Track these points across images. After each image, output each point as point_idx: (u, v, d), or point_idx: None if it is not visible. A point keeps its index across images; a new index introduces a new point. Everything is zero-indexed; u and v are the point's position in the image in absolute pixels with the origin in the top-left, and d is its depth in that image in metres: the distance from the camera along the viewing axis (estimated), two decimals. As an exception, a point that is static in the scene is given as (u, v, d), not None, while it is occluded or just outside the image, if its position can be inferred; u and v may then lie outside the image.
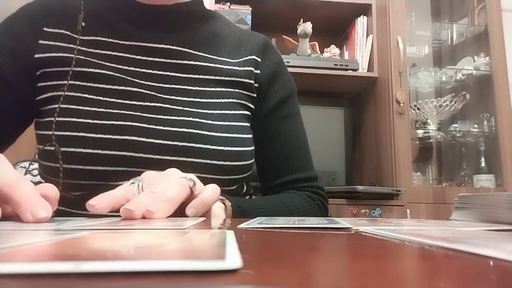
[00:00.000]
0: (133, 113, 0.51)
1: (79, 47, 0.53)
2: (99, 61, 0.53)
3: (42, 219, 0.29)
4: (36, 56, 0.53)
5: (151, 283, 0.10)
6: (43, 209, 0.30)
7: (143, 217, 0.33)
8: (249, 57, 0.62)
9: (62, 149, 0.48)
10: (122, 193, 0.36)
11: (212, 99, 0.56)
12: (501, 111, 1.67)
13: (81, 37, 0.54)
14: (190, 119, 0.53)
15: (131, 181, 0.38)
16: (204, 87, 0.57)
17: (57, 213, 0.49)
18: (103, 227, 0.26)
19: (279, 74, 0.65)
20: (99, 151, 0.48)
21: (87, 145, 0.48)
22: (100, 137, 0.49)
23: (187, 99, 0.55)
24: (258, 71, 0.62)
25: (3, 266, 0.11)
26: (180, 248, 0.16)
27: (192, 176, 0.41)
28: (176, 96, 0.54)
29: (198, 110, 0.54)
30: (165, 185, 0.38)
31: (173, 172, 0.42)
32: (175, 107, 0.53)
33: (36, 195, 0.31)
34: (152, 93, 0.53)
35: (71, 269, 0.11)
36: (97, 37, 0.55)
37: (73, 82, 0.52)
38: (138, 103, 0.52)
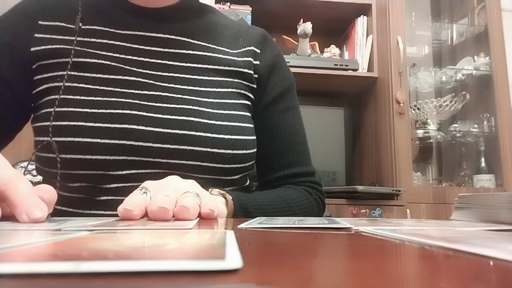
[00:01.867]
0: (131, 101, 0.51)
1: (75, 37, 0.53)
2: (96, 51, 0.53)
3: (37, 220, 0.29)
4: (32, 49, 0.53)
5: (151, 283, 0.10)
6: (38, 209, 0.29)
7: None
8: (248, 48, 0.62)
9: (60, 139, 0.48)
10: (143, 201, 0.35)
11: (211, 88, 0.56)
12: (501, 111, 1.67)
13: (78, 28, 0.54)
14: (190, 107, 0.53)
15: (143, 190, 0.37)
16: (203, 76, 0.56)
17: (57, 213, 0.49)
18: (103, 227, 0.26)
19: (278, 66, 0.64)
20: (98, 140, 0.48)
21: (86, 134, 0.48)
22: (99, 126, 0.48)
23: (186, 87, 0.54)
24: (257, 62, 0.62)
25: (3, 266, 0.11)
26: (180, 248, 0.16)
27: (193, 186, 0.40)
28: (174, 84, 0.54)
29: (197, 98, 0.54)
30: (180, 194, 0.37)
31: (175, 179, 0.41)
32: (174, 95, 0.53)
33: (32, 195, 0.31)
34: (150, 81, 0.53)
35: (71, 269, 0.11)
36: (94, 26, 0.55)
37: (70, 72, 0.51)
38: (137, 91, 0.52)
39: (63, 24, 0.54)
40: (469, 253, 0.16)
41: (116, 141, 0.48)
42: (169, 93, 0.53)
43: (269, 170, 0.63)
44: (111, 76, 0.52)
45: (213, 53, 0.59)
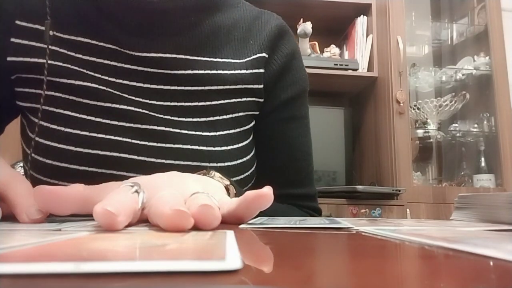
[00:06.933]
0: (121, 139, 0.44)
1: (54, 48, 0.46)
2: (80, 69, 0.45)
3: (37, 220, 0.29)
4: (9, 59, 0.46)
5: (151, 283, 0.10)
6: (37, 209, 0.29)
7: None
8: (258, 55, 0.52)
9: (41, 177, 0.44)
10: (132, 203, 0.26)
11: (214, 116, 0.49)
12: (501, 111, 1.67)
13: (56, 34, 0.46)
14: (188, 146, 0.46)
15: (134, 188, 0.27)
16: (205, 101, 0.49)
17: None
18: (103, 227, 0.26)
19: (289, 68, 0.54)
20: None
21: (69, 177, 0.42)
22: (84, 170, 0.43)
23: (184, 119, 0.47)
24: (265, 70, 0.53)
25: (3, 266, 0.11)
26: (180, 249, 0.16)
27: (198, 183, 0.33)
28: (172, 116, 0.47)
29: (198, 133, 0.47)
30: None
31: (172, 175, 0.33)
32: (171, 129, 0.46)
33: (31, 195, 0.30)
34: (144, 111, 0.46)
35: (71, 269, 0.11)
36: (79, 38, 0.46)
37: (52, 93, 0.45)
38: (128, 124, 0.45)
39: (42, 27, 0.45)
40: (469, 253, 0.16)
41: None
42: (165, 127, 0.46)
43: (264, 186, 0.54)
44: (99, 104, 0.45)
45: (217, 70, 0.49)
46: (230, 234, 0.20)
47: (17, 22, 0.46)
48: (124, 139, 0.44)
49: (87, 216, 0.38)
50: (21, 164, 0.50)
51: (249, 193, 0.28)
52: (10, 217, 0.31)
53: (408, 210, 1.47)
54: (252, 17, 0.54)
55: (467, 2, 1.92)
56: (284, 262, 0.14)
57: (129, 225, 0.25)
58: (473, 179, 1.74)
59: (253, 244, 0.20)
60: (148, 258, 0.13)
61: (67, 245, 0.16)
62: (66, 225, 0.26)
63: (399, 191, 1.45)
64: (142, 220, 0.28)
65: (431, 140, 1.82)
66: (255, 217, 0.34)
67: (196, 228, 0.24)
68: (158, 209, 0.23)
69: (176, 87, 0.48)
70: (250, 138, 0.52)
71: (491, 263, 0.14)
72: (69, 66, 0.45)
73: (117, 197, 0.25)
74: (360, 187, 1.39)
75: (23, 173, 0.45)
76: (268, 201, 0.28)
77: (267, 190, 0.28)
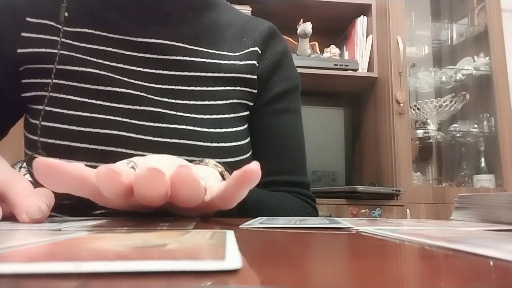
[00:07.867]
0: (121, 119, 0.47)
1: (63, 40, 0.49)
2: (84, 57, 0.49)
3: (37, 220, 0.29)
4: (18, 51, 0.48)
5: (151, 283, 0.10)
6: (38, 209, 0.29)
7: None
8: (252, 49, 0.57)
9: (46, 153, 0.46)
10: (130, 174, 0.27)
11: (209, 101, 0.52)
12: (501, 111, 1.67)
13: (65, 28, 0.49)
14: (183, 127, 0.49)
15: (130, 164, 0.30)
16: (201, 87, 0.52)
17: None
18: (103, 227, 0.26)
19: (281, 65, 0.59)
20: (84, 163, 0.44)
21: (72, 155, 0.45)
22: (86, 147, 0.45)
23: (181, 101, 0.51)
24: (258, 64, 0.57)
25: (3, 266, 0.11)
26: (180, 248, 0.16)
27: (199, 170, 0.34)
28: (169, 99, 0.50)
29: (193, 115, 0.50)
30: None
31: (167, 156, 0.35)
32: (167, 111, 0.49)
33: (31, 195, 0.30)
34: (142, 94, 0.49)
35: (71, 269, 0.11)
36: (83, 29, 0.50)
37: (57, 81, 0.48)
38: (127, 106, 0.48)
39: (52, 23, 0.49)
40: (469, 253, 0.16)
41: (103, 164, 0.45)
42: (162, 109, 0.49)
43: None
44: (100, 88, 0.48)
45: (213, 59, 0.54)
46: (230, 234, 0.20)
47: (28, 19, 0.49)
48: (123, 119, 0.47)
49: (86, 215, 0.38)
50: (21, 165, 0.50)
51: (236, 171, 0.26)
52: (10, 217, 0.31)
53: (408, 210, 1.47)
54: (245, 20, 0.60)
55: (467, 2, 1.93)
56: (284, 262, 0.14)
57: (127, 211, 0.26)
58: (473, 179, 1.74)
59: (253, 244, 0.20)
60: (148, 258, 0.13)
61: (67, 245, 0.16)
62: (66, 225, 0.26)
63: (399, 191, 1.45)
64: (136, 205, 0.28)
65: (431, 140, 1.82)
66: (254, 218, 0.34)
67: (196, 227, 0.24)
68: (138, 171, 0.24)
69: (174, 72, 0.52)
70: (245, 126, 0.55)
71: (491, 263, 0.14)
72: (73, 54, 0.48)
73: (118, 164, 0.27)
74: (360, 187, 1.39)
75: (23, 173, 0.45)
76: (255, 177, 0.26)
77: (254, 165, 0.26)
